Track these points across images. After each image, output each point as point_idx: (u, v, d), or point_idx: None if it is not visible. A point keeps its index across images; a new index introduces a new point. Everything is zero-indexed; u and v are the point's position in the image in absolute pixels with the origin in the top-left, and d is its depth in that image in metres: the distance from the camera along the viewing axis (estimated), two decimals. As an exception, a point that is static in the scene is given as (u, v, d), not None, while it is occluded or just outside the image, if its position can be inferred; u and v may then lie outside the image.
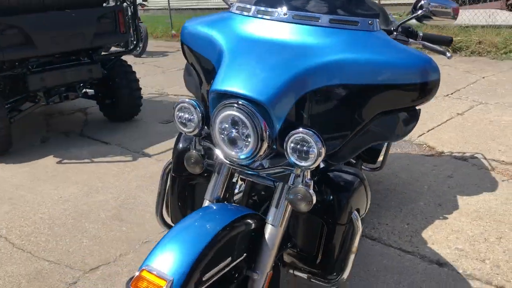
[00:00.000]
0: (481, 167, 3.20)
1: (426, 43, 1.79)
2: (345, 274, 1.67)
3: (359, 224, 1.61)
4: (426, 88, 1.37)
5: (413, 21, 1.75)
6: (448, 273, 2.18)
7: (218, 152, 1.55)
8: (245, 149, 1.41)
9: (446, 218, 2.61)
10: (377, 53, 1.37)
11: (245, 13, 1.58)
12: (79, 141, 4.38)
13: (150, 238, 2.66)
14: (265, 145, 1.38)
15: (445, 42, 1.71)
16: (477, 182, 2.99)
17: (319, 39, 1.41)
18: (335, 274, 1.67)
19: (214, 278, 1.34)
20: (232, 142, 1.43)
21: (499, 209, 2.66)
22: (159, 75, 7.15)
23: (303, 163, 1.34)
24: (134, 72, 4.83)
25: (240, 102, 1.38)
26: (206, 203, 1.62)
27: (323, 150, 1.30)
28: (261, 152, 1.40)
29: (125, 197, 3.18)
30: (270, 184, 1.57)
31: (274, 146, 1.41)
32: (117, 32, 4.49)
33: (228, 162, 1.53)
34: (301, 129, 1.31)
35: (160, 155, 3.90)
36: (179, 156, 1.81)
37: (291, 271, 1.74)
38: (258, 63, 1.42)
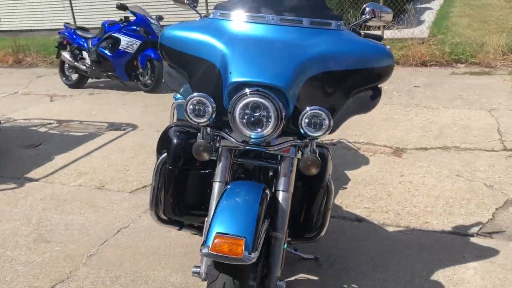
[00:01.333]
0: (350, 149, 3.95)
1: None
2: (324, 231, 2.06)
3: (333, 186, 2.03)
4: (388, 69, 1.86)
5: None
6: (368, 225, 2.75)
7: (230, 137, 1.78)
8: (266, 129, 1.70)
9: (346, 188, 3.22)
10: (351, 46, 1.82)
11: (233, 19, 1.86)
12: None
13: (94, 251, 2.64)
14: (283, 124, 1.70)
15: (378, 39, 2.26)
16: (354, 159, 3.70)
17: (307, 37, 1.79)
18: (316, 232, 2.05)
19: (263, 237, 1.61)
20: (253, 124, 1.70)
21: (378, 175, 3.38)
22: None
23: (316, 133, 1.69)
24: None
25: (260, 90, 1.67)
26: (217, 184, 1.84)
27: (331, 122, 1.68)
28: (279, 130, 1.71)
29: (37, 221, 3.02)
30: (270, 164, 1.88)
31: (289, 125, 1.73)
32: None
33: (243, 144, 1.77)
34: (314, 107, 1.67)
35: (48, 177, 3.71)
36: (176, 149, 1.97)
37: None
38: (266, 57, 1.73)
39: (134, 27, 6.10)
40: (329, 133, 1.81)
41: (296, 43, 1.77)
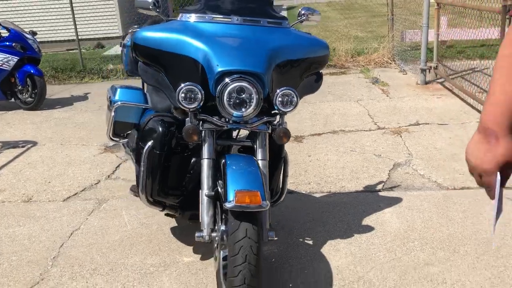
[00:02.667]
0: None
1: None
2: (284, 195, 2.50)
3: (288, 156, 2.49)
4: (327, 58, 2.39)
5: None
6: (299, 195, 3.27)
7: (214, 120, 2.12)
8: (249, 108, 2.08)
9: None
10: (302, 40, 2.31)
11: (203, 20, 2.21)
12: None
13: (56, 254, 2.69)
14: (261, 103, 2.10)
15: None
16: (264, 148, 4.21)
17: (268, 33, 2.23)
18: (278, 196, 2.49)
19: None
20: (239, 105, 2.07)
21: (291, 158, 3.91)
22: None
23: (287, 109, 2.13)
24: None
25: (243, 76, 2.05)
26: (205, 161, 2.15)
27: (298, 100, 2.14)
28: (259, 108, 2.10)
29: (-26, 239, 2.90)
30: (243, 143, 2.27)
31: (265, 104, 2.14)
32: None
33: (226, 123, 2.13)
34: (285, 87, 2.11)
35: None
36: (163, 136, 2.23)
37: None
38: (243, 50, 2.12)
39: (9, 43, 5.82)
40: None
41: (262, 38, 2.19)
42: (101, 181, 3.68)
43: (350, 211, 3.00)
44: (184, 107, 2.07)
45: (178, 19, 2.27)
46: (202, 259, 2.56)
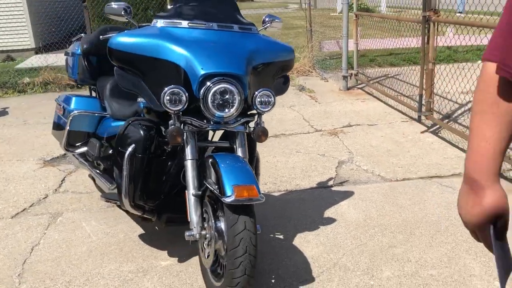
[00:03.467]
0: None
1: None
2: None
3: (259, 155, 2.62)
4: (293, 61, 2.55)
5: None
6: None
7: (197, 121, 2.19)
8: (231, 109, 2.17)
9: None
10: (271, 44, 2.45)
11: (179, 26, 2.27)
12: None
13: (20, 270, 2.55)
14: (243, 104, 2.20)
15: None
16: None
17: (242, 38, 2.35)
18: None
19: None
20: (222, 106, 2.16)
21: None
22: None
23: (266, 109, 2.26)
24: None
25: (225, 78, 2.14)
26: (189, 162, 2.21)
27: (275, 100, 2.28)
28: (240, 109, 2.20)
29: None
30: (221, 144, 2.37)
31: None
32: None
33: (207, 125, 2.20)
34: (264, 88, 2.24)
35: None
36: (145, 139, 2.24)
37: None
38: (223, 54, 2.21)
39: None
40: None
41: (238, 43, 2.31)
42: (49, 195, 3.52)
43: (310, 206, 3.19)
44: (169, 109, 2.12)
45: (152, 24, 2.31)
46: (179, 261, 2.58)
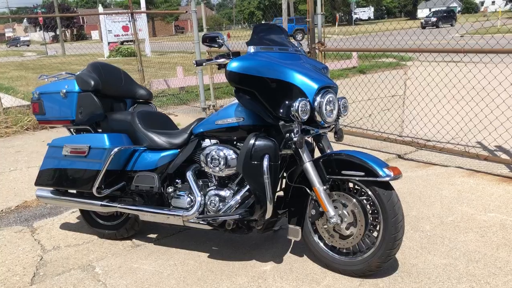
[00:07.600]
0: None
1: None
2: None
3: None
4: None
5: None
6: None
7: (311, 128, 2.57)
8: (334, 113, 2.61)
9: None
10: (318, 62, 3.00)
11: (273, 51, 2.62)
12: None
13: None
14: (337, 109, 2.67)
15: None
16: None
17: (307, 58, 2.83)
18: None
19: None
20: (330, 111, 2.59)
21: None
22: None
23: (346, 113, 2.77)
24: None
25: (328, 90, 2.60)
26: (309, 164, 2.55)
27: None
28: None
29: None
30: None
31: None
32: None
33: (316, 130, 2.60)
34: (342, 96, 2.77)
35: None
36: (276, 148, 2.50)
37: None
38: (315, 71, 2.65)
39: None
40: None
41: (311, 62, 2.78)
42: (43, 257, 3.07)
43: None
44: (300, 118, 2.45)
45: (249, 51, 2.59)
46: (278, 263, 2.80)
